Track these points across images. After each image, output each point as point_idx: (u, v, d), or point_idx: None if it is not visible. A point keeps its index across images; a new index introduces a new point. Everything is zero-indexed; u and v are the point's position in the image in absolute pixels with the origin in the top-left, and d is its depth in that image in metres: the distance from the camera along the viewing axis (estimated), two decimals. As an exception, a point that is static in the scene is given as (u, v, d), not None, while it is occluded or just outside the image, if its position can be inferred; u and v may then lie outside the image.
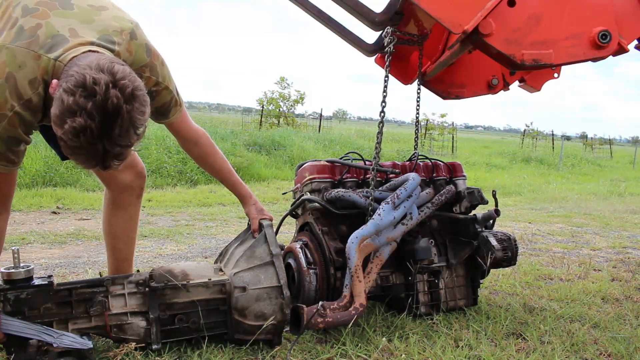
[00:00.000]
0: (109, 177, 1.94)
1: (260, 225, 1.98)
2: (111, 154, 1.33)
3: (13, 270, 1.61)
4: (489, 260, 2.25)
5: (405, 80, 2.71)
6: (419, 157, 2.47)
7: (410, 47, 2.47)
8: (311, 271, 2.08)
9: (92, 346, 1.61)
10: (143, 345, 1.76)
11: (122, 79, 1.30)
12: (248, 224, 2.07)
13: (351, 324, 1.88)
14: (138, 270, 2.13)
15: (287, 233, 3.68)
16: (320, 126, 16.73)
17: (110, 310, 1.73)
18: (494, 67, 2.58)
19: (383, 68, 2.21)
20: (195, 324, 1.81)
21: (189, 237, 4.20)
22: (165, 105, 1.72)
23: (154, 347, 1.75)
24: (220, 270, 1.92)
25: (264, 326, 1.82)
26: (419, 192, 2.19)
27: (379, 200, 2.11)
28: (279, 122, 17.89)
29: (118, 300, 1.76)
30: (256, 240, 1.97)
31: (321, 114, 18.14)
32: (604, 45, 1.79)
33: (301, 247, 2.15)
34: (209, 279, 1.83)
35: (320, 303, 1.87)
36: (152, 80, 1.63)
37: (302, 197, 2.22)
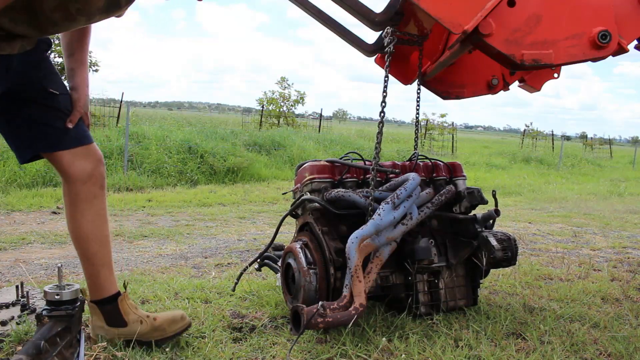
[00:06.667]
0: (68, 167, 1.75)
1: None
2: None
3: None
4: (484, 260, 2.25)
5: (405, 80, 2.71)
6: (419, 157, 2.47)
7: (410, 47, 2.47)
8: (311, 271, 2.08)
9: None
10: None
11: None
12: None
13: (351, 324, 1.88)
14: (125, 283, 1.90)
15: (287, 233, 3.68)
16: (320, 126, 16.73)
17: None
18: (494, 67, 2.58)
19: (383, 68, 2.21)
20: None
21: (189, 237, 4.20)
22: None
23: None
24: None
25: None
26: (419, 192, 2.19)
27: (379, 200, 2.11)
28: (279, 122, 17.90)
29: None
30: None
31: (321, 114, 18.14)
32: (604, 46, 1.79)
33: (301, 247, 2.15)
34: None
35: (320, 303, 1.87)
36: None
37: (302, 197, 2.22)
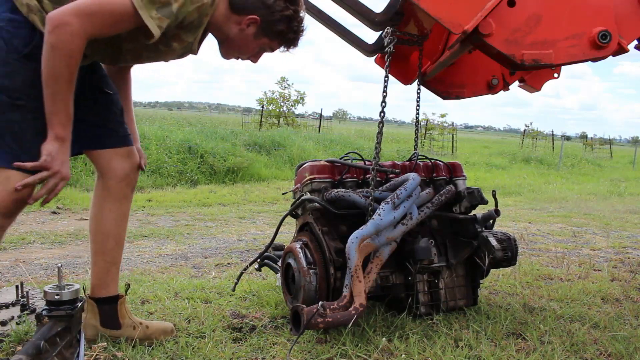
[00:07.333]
0: (107, 164, 1.83)
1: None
2: None
3: None
4: (486, 260, 2.25)
5: (405, 80, 2.71)
6: (419, 157, 2.47)
7: (410, 47, 2.47)
8: (311, 271, 2.08)
9: None
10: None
11: None
12: None
13: (351, 324, 1.88)
14: (127, 286, 1.95)
15: (287, 233, 3.68)
16: (320, 126, 16.74)
17: None
18: (494, 67, 2.58)
19: (383, 68, 2.21)
20: None
21: (189, 237, 4.20)
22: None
23: None
24: None
25: None
26: (419, 192, 2.19)
27: (379, 200, 2.11)
28: (279, 122, 17.91)
29: None
30: None
31: (321, 114, 18.15)
32: (604, 46, 1.79)
33: (301, 247, 2.15)
34: None
35: (320, 303, 1.87)
36: None
37: (302, 197, 2.22)
